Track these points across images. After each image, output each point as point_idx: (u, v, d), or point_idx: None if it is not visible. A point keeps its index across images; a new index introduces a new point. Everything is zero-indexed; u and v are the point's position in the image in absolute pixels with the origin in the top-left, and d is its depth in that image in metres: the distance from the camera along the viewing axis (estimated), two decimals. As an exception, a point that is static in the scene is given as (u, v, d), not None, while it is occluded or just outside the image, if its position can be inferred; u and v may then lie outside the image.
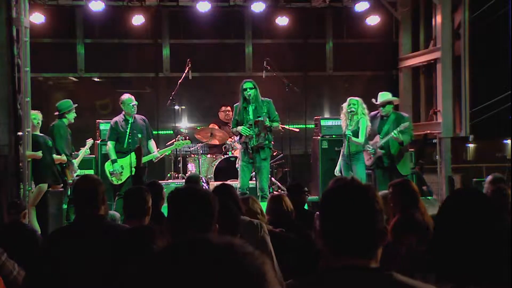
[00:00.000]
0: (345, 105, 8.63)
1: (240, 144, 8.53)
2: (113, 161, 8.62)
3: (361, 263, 1.75)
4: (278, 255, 3.70)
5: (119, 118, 8.75)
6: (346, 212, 1.78)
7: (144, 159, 8.58)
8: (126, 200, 4.28)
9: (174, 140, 9.55)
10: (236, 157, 9.45)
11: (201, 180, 7.19)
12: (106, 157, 9.00)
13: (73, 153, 8.77)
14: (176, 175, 10.22)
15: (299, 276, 1.86)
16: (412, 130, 8.69)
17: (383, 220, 1.79)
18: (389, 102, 8.62)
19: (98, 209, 3.42)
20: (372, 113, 8.73)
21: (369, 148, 8.51)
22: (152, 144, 8.90)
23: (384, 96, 8.66)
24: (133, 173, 8.50)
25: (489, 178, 5.88)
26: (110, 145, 8.71)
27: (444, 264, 2.08)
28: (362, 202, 1.78)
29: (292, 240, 4.19)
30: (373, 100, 8.71)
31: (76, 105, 8.63)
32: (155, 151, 8.83)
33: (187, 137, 9.48)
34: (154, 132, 10.46)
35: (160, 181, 7.34)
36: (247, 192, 8.03)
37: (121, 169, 8.58)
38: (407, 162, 8.75)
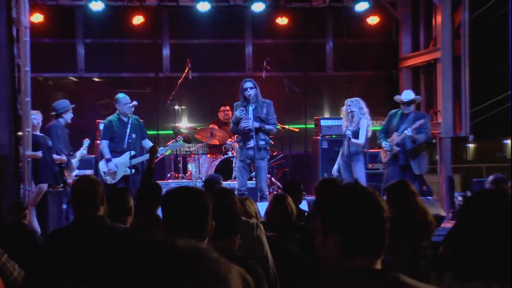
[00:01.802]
0: (343, 106, 8.71)
1: (238, 142, 8.50)
2: (107, 160, 8.61)
3: (367, 264, 1.76)
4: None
5: (113, 117, 8.74)
6: (351, 215, 1.78)
7: (142, 158, 8.60)
8: (107, 201, 4.30)
9: (173, 140, 9.55)
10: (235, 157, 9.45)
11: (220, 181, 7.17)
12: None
13: (71, 153, 8.77)
14: (176, 175, 10.23)
15: (295, 280, 1.86)
16: (429, 129, 8.58)
17: (387, 221, 1.80)
18: (413, 101, 8.62)
19: (97, 209, 3.42)
20: (393, 110, 8.75)
21: (386, 145, 8.51)
22: (148, 142, 8.88)
23: (408, 94, 8.67)
24: (127, 173, 8.51)
25: (491, 178, 5.90)
26: (104, 144, 8.71)
27: (466, 262, 2.09)
28: (366, 204, 1.79)
29: (285, 243, 4.18)
30: (397, 97, 8.70)
31: (74, 105, 8.61)
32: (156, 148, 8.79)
33: (182, 138, 9.43)
34: (154, 132, 10.45)
35: (160, 181, 7.36)
36: (246, 192, 8.01)
37: (115, 168, 8.57)
38: (422, 161, 8.57)
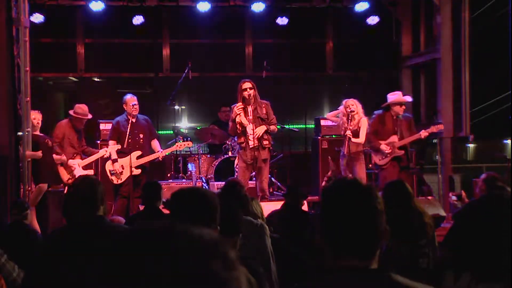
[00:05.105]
0: (341, 107, 8.65)
1: (239, 144, 8.48)
2: (114, 161, 8.63)
3: (362, 264, 1.75)
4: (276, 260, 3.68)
5: (121, 118, 8.77)
6: (348, 213, 1.76)
7: (148, 159, 8.60)
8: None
9: (174, 140, 9.54)
10: (236, 157, 9.44)
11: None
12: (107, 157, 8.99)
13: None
14: (176, 175, 10.22)
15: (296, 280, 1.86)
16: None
17: (384, 221, 1.78)
18: (398, 103, 8.58)
19: (97, 209, 3.42)
20: (377, 112, 8.73)
21: (385, 148, 8.51)
22: (155, 143, 8.90)
23: (393, 96, 8.67)
24: (132, 173, 8.51)
25: (483, 176, 5.92)
26: (110, 144, 8.72)
27: (484, 263, 2.10)
28: (364, 202, 1.77)
29: (288, 244, 4.19)
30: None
31: (91, 117, 8.84)
32: (159, 150, 8.82)
33: (188, 139, 9.43)
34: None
35: (160, 181, 7.33)
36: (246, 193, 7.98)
37: (121, 168, 8.58)
38: None
